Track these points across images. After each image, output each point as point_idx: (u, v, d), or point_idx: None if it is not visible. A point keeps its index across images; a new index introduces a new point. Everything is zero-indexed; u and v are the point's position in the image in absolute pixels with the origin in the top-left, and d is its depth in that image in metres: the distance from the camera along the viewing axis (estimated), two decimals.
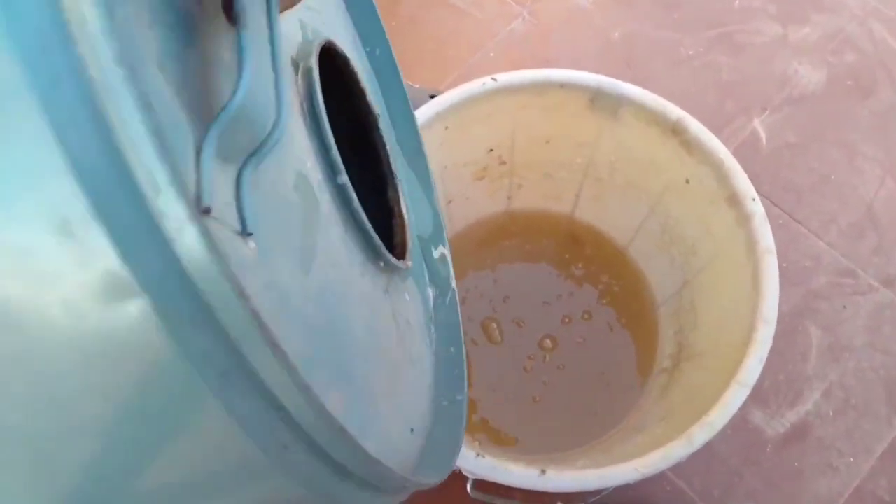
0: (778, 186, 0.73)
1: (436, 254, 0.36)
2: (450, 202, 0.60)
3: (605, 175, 0.57)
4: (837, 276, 0.69)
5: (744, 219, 0.44)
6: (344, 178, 0.24)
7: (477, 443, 0.55)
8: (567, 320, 0.60)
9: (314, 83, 0.24)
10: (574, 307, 0.61)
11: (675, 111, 0.48)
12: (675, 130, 0.48)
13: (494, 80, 0.49)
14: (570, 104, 0.51)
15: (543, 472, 0.39)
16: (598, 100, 0.50)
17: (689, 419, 0.41)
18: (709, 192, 0.47)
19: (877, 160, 0.74)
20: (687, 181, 0.50)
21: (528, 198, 0.62)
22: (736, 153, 0.74)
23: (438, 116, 0.49)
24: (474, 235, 0.63)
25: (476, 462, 0.39)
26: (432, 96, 0.50)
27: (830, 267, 0.69)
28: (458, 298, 0.37)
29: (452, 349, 0.34)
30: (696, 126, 0.47)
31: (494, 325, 0.60)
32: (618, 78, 0.79)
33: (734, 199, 0.45)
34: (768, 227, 0.44)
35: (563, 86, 0.49)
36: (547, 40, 0.83)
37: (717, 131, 0.76)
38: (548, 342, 0.59)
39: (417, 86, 0.74)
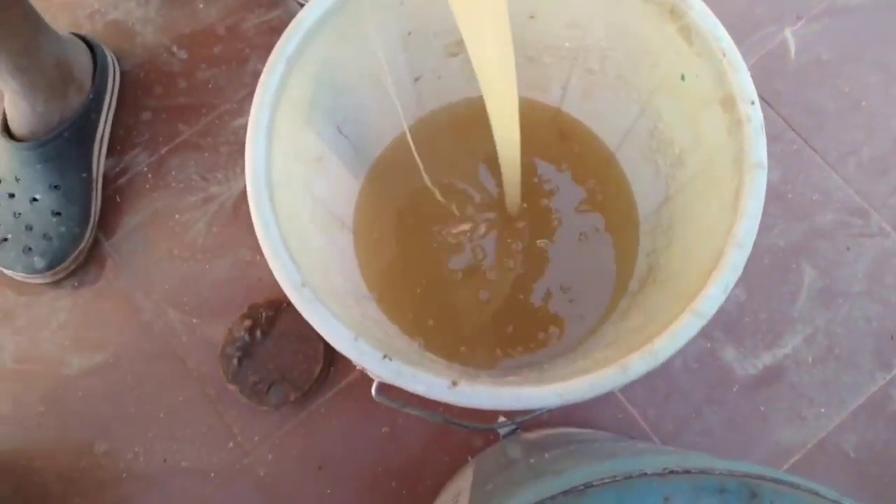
0: (799, 107, 0.65)
1: None
2: (417, 79, 0.53)
3: (595, 65, 0.50)
4: (847, 214, 0.62)
5: (736, 125, 0.37)
6: None
7: (418, 344, 0.51)
8: (549, 219, 0.54)
9: None
10: (558, 205, 0.54)
11: None
12: (674, 12, 0.40)
13: None
14: None
15: (455, 383, 0.34)
16: None
17: (635, 347, 0.36)
18: (704, 91, 0.40)
19: None
20: (682, 77, 0.42)
21: None
22: (758, 65, 0.66)
23: None
24: (446, 121, 0.57)
25: (382, 364, 0.35)
26: None
27: (841, 203, 0.62)
28: None
29: None
30: (698, 8, 0.39)
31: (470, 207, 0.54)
32: None
33: (729, 101, 0.38)
34: (763, 138, 0.37)
35: None
36: None
37: (741, 38, 0.67)
38: (517, 245, 0.54)
39: None
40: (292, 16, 0.66)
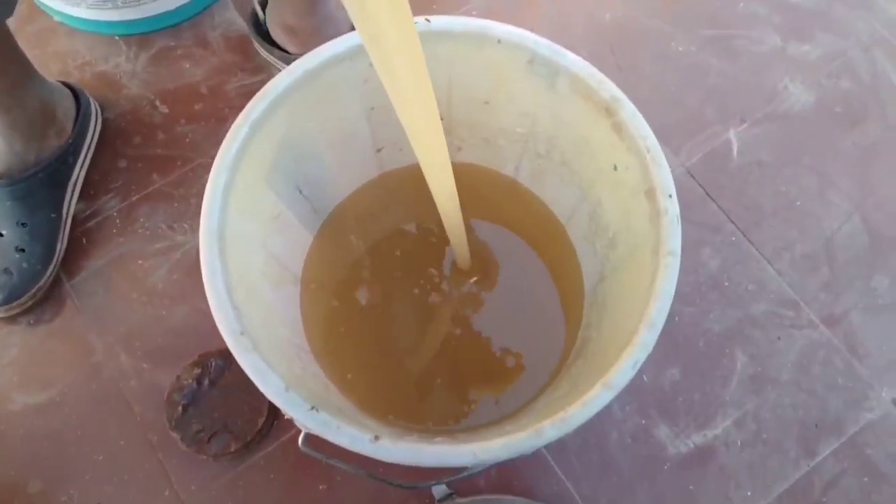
0: (740, 203, 0.69)
1: None
2: (379, 150, 0.57)
3: (543, 151, 0.54)
4: (779, 305, 0.65)
5: (656, 215, 0.41)
6: None
7: (351, 404, 0.52)
8: (501, 284, 0.57)
9: None
10: (511, 270, 0.57)
11: (610, 89, 0.44)
12: (609, 111, 0.44)
13: (428, 21, 0.45)
14: (508, 64, 0.47)
15: (377, 438, 0.36)
16: (536, 64, 0.46)
17: (553, 414, 0.38)
18: (633, 182, 0.44)
19: (849, 195, 0.70)
20: (615, 167, 0.46)
21: (469, 161, 0.59)
22: (703, 162, 0.71)
23: (359, 49, 0.45)
24: (407, 177, 0.59)
25: (309, 415, 0.37)
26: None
27: (774, 295, 0.66)
28: None
29: None
30: (629, 109, 0.43)
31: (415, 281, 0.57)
32: (600, 63, 0.75)
33: (651, 193, 0.42)
34: (678, 228, 0.40)
35: (500, 41, 0.45)
36: (535, 9, 0.78)
37: (689, 135, 0.73)
38: (466, 309, 0.56)
39: None
40: None
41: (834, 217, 0.69)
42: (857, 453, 0.60)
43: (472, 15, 0.78)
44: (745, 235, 0.68)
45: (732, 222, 0.69)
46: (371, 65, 0.45)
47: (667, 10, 0.79)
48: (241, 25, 0.77)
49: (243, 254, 0.44)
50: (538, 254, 0.58)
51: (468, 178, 0.59)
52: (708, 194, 0.70)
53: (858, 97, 0.75)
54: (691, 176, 0.71)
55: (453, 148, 0.59)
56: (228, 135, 0.43)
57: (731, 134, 0.73)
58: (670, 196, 0.41)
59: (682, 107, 0.74)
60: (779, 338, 0.64)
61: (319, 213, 0.57)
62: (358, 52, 0.45)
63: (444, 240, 0.58)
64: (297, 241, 0.54)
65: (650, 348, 0.38)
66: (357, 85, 0.48)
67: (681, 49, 0.77)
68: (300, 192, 0.53)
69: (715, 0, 0.80)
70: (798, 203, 0.70)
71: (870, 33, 0.78)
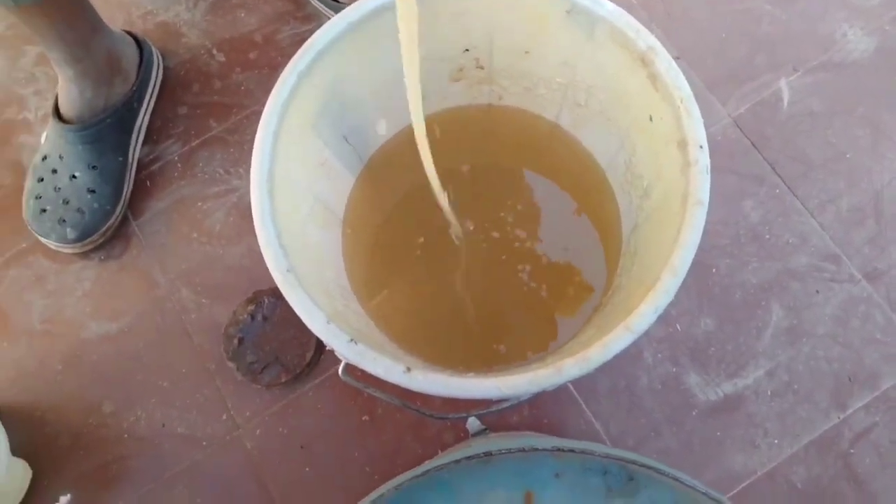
0: (786, 154, 0.69)
1: None
2: (424, 98, 0.58)
3: (582, 100, 0.54)
4: (820, 258, 0.65)
5: (686, 165, 0.42)
6: None
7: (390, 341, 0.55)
8: (542, 228, 0.59)
9: None
10: (553, 212, 0.59)
11: (647, 39, 0.44)
12: (644, 61, 0.45)
13: None
14: (547, 13, 0.47)
15: (409, 369, 0.39)
16: (574, 13, 0.46)
17: (575, 353, 0.40)
18: (666, 132, 0.44)
19: None
20: (650, 118, 0.47)
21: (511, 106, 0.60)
22: (751, 112, 0.70)
23: None
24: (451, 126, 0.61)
25: (348, 347, 0.40)
26: None
27: (816, 249, 0.65)
28: None
29: None
30: (664, 58, 0.44)
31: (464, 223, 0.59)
32: (649, 10, 0.75)
33: (683, 144, 0.42)
34: (707, 178, 0.41)
35: None
36: None
37: (738, 85, 0.71)
38: (507, 249, 0.58)
39: None
40: None
41: (885, 171, 0.68)
42: (889, 407, 0.61)
43: None
44: (789, 188, 0.67)
45: (777, 174, 0.68)
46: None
47: None
48: None
49: (291, 197, 0.47)
50: (580, 202, 0.59)
51: (510, 122, 0.61)
52: (754, 145, 0.69)
53: None
54: (738, 126, 0.70)
55: (494, 96, 0.60)
56: (277, 85, 0.45)
57: (783, 83, 0.71)
58: (701, 147, 0.41)
59: (732, 55, 0.73)
60: (817, 291, 0.64)
61: (362, 158, 0.59)
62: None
63: (486, 189, 0.60)
64: (341, 185, 0.57)
65: (672, 295, 0.39)
66: (397, 35, 0.50)
67: None
68: (346, 139, 0.55)
69: None
70: (848, 155, 0.68)
71: None
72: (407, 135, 0.61)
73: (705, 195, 0.41)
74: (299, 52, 0.45)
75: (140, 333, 0.67)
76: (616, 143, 0.54)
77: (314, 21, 0.77)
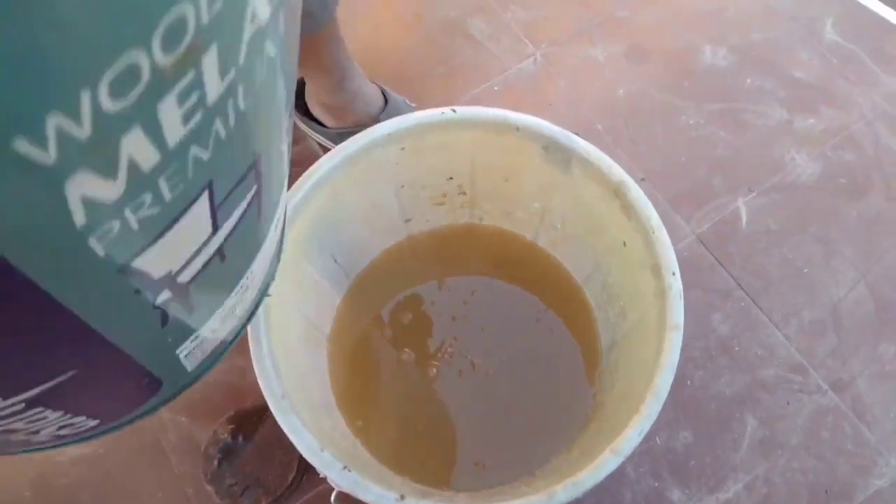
0: (748, 270, 0.73)
1: None
2: (408, 220, 0.61)
3: (558, 224, 0.58)
4: (788, 370, 0.68)
5: (661, 291, 0.44)
6: None
7: (376, 461, 0.55)
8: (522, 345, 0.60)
9: None
10: (530, 330, 0.61)
11: (618, 173, 0.48)
12: (617, 193, 0.48)
13: (454, 111, 0.50)
14: (526, 149, 0.51)
15: (402, 497, 0.39)
16: (551, 150, 0.50)
17: (565, 477, 0.41)
18: (639, 258, 0.48)
19: (854, 263, 0.73)
20: (624, 244, 0.50)
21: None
22: (712, 230, 0.75)
23: (391, 137, 0.50)
24: (433, 242, 0.64)
25: (341, 475, 0.40)
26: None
27: (783, 360, 0.68)
28: None
29: None
30: (635, 191, 0.47)
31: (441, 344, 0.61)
32: (614, 136, 0.80)
33: (656, 269, 0.45)
34: (681, 302, 0.43)
35: (518, 129, 0.50)
36: (553, 84, 0.84)
37: (700, 204, 0.76)
38: (486, 367, 0.59)
39: (401, 97, 0.76)
40: (312, 152, 0.76)
41: (840, 284, 0.72)
42: None
43: (493, 90, 0.83)
44: (754, 301, 0.71)
45: (742, 288, 0.72)
46: (403, 149, 0.50)
47: (677, 85, 0.84)
48: None
49: (284, 319, 0.48)
50: (560, 316, 0.61)
51: (489, 239, 0.64)
52: (718, 261, 0.73)
53: (862, 169, 0.78)
54: (702, 243, 0.74)
55: (475, 217, 0.63)
56: None
57: (740, 203, 0.76)
58: (673, 273, 0.44)
59: (692, 177, 0.78)
60: (788, 402, 0.66)
61: (349, 276, 0.61)
62: (390, 139, 0.50)
63: (466, 302, 0.62)
64: (327, 303, 0.58)
65: (655, 416, 0.41)
66: (389, 165, 0.53)
67: (691, 122, 0.81)
68: (334, 260, 0.57)
69: (724, 76, 0.85)
70: (805, 270, 0.73)
71: (872, 107, 0.82)
72: (393, 251, 0.63)
73: (680, 319, 0.43)
74: (297, 183, 0.48)
75: (115, 454, 0.65)
76: (591, 263, 0.57)
77: (300, 143, 0.81)
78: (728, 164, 0.79)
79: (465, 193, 0.59)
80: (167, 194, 0.19)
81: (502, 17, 0.89)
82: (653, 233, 0.46)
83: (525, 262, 0.64)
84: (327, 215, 0.53)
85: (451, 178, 0.57)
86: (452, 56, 0.87)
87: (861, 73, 0.85)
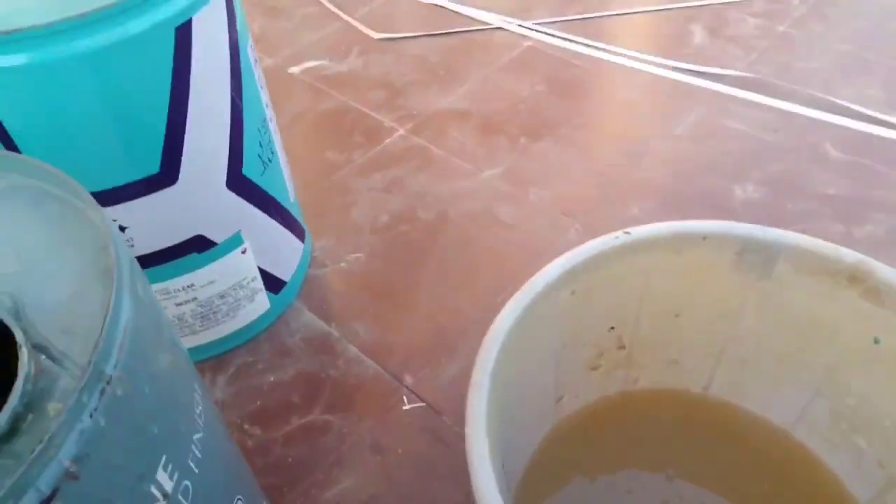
0: None
1: None
2: (560, 399, 0.49)
3: (749, 354, 0.48)
4: None
5: None
6: None
7: None
8: None
9: None
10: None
11: (850, 254, 0.40)
12: (854, 278, 0.40)
13: (628, 233, 0.42)
14: (712, 262, 0.43)
15: None
16: (748, 253, 0.42)
17: None
18: None
19: None
20: (876, 341, 0.40)
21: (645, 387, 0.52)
22: None
23: (568, 276, 0.41)
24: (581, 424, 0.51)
25: None
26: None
27: None
28: None
29: None
30: (881, 268, 0.39)
31: None
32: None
33: None
34: None
35: (705, 238, 0.42)
36: None
37: None
38: None
39: None
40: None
41: None
42: None
43: None
44: None
45: None
46: (573, 293, 0.41)
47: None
48: (320, 326, 0.73)
49: None
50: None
51: (646, 411, 0.52)
52: None
53: None
54: None
55: (630, 381, 0.52)
56: (471, 396, 0.35)
57: None
58: None
59: None
60: None
61: (510, 487, 0.47)
62: (563, 280, 0.41)
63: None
64: None
65: None
66: (554, 321, 0.43)
67: None
68: (503, 465, 0.43)
69: (764, 206, 0.83)
70: None
71: None
72: (545, 449, 0.50)
73: None
74: (482, 352, 0.37)
75: None
76: (808, 391, 0.46)
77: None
78: None
79: (623, 347, 0.49)
80: None
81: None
82: None
83: (690, 430, 0.52)
84: (500, 397, 0.40)
85: (612, 328, 0.47)
86: (493, 243, 0.81)
87: (883, 177, 0.86)
